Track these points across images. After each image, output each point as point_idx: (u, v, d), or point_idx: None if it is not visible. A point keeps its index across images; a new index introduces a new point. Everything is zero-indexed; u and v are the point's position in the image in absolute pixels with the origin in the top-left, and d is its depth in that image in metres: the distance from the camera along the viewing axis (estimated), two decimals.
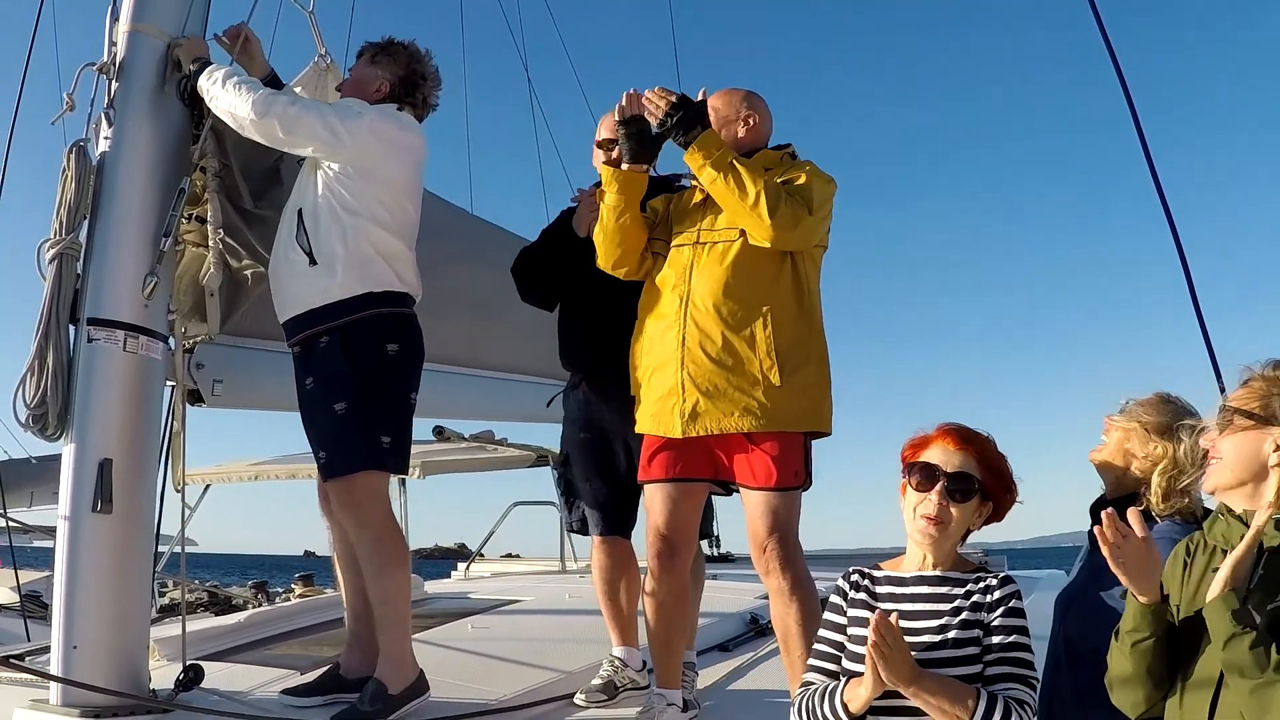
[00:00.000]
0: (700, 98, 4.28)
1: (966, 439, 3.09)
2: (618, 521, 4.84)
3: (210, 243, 4.55)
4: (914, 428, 3.20)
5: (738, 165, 4.10)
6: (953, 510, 3.01)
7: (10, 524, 6.19)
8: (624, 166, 4.33)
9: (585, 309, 4.91)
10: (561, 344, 5.02)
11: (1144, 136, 4.24)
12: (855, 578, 3.16)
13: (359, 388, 4.25)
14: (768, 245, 4.10)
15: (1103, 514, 2.66)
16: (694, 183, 4.40)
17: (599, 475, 4.84)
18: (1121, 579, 2.67)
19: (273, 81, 4.75)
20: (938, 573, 3.04)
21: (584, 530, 4.93)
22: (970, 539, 3.16)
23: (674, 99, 4.19)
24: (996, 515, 3.13)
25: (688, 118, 4.17)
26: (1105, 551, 2.65)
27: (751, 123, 4.46)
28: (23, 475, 13.16)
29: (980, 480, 3.03)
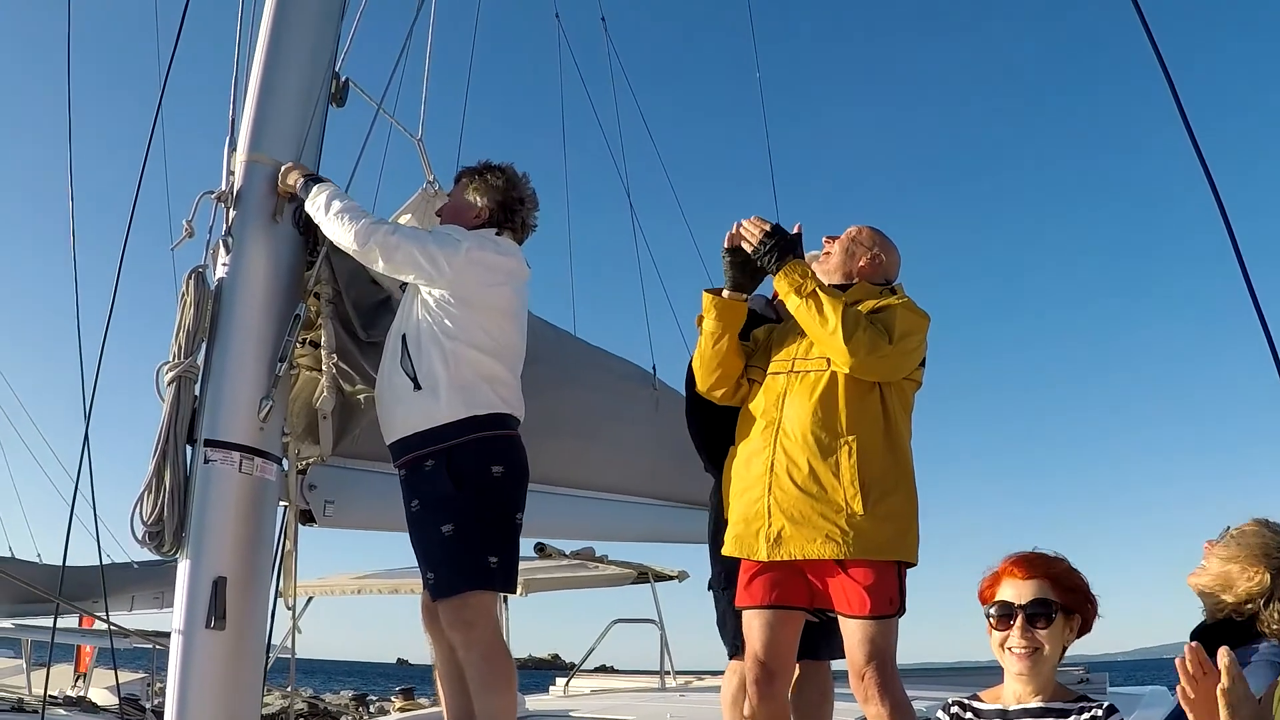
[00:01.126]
0: (796, 231, 4.36)
1: (1033, 566, 3.10)
2: None
3: (324, 367, 4.66)
4: (1001, 548, 3.24)
5: (820, 293, 4.15)
6: (1039, 637, 3.01)
7: (112, 629, 6.25)
8: (725, 294, 4.42)
9: None
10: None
11: None
12: (956, 710, 3.15)
13: (466, 510, 4.28)
14: (848, 371, 4.14)
15: (1186, 647, 2.65)
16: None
17: None
18: (1188, 713, 2.64)
19: None
20: (1040, 703, 3.03)
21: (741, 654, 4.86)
22: (1071, 651, 3.16)
23: (768, 228, 4.28)
24: (1085, 628, 3.14)
25: (781, 247, 4.25)
26: (1181, 682, 2.63)
27: (878, 261, 4.57)
28: (125, 579, 13.32)
29: (1057, 601, 3.04)
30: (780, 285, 4.25)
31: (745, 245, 4.32)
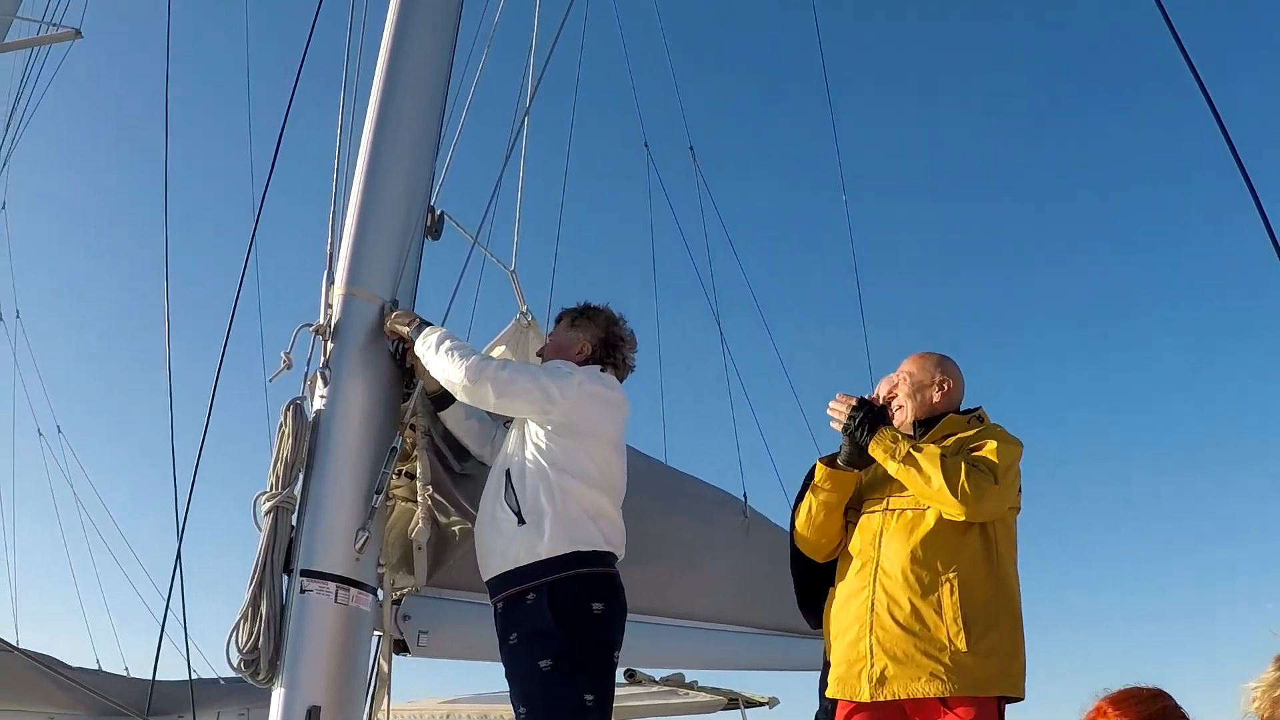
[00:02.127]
0: (878, 397, 4.52)
1: (1127, 708, 3.05)
2: None
3: (419, 498, 4.69)
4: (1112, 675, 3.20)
5: (915, 455, 4.17)
6: None
7: None
8: (840, 465, 4.46)
9: None
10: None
11: None
12: None
13: (565, 646, 4.24)
14: (961, 520, 4.14)
15: None
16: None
17: None
18: None
19: None
20: None
21: None
22: None
23: (854, 402, 4.39)
24: None
25: (870, 418, 4.33)
26: None
27: (946, 388, 4.58)
28: (211, 695, 13.36)
29: None
30: (876, 454, 4.29)
31: (835, 425, 4.41)
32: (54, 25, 10.99)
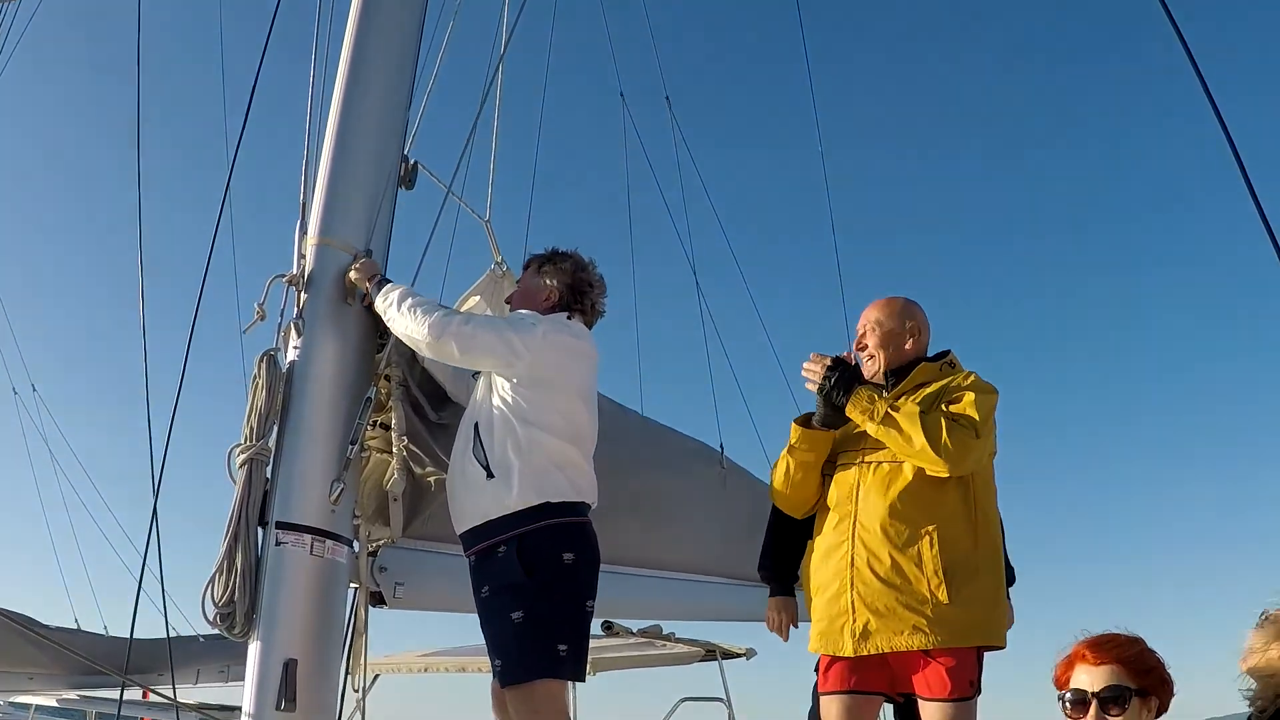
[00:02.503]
0: (849, 356, 4.45)
1: (1106, 651, 3.07)
2: None
3: (394, 449, 4.68)
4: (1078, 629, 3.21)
5: (893, 415, 4.16)
6: None
7: (178, 706, 6.27)
8: (815, 425, 4.45)
9: None
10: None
11: None
12: None
13: (536, 597, 4.24)
14: (944, 475, 4.14)
15: None
16: None
17: None
18: None
19: None
20: None
21: None
22: None
23: (829, 362, 4.35)
24: (1162, 709, 3.10)
25: (844, 378, 4.30)
26: None
27: (916, 335, 4.56)
28: (190, 653, 13.36)
29: (1132, 686, 3.01)
30: (854, 415, 4.28)
31: (810, 386, 4.38)
32: None
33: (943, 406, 4.24)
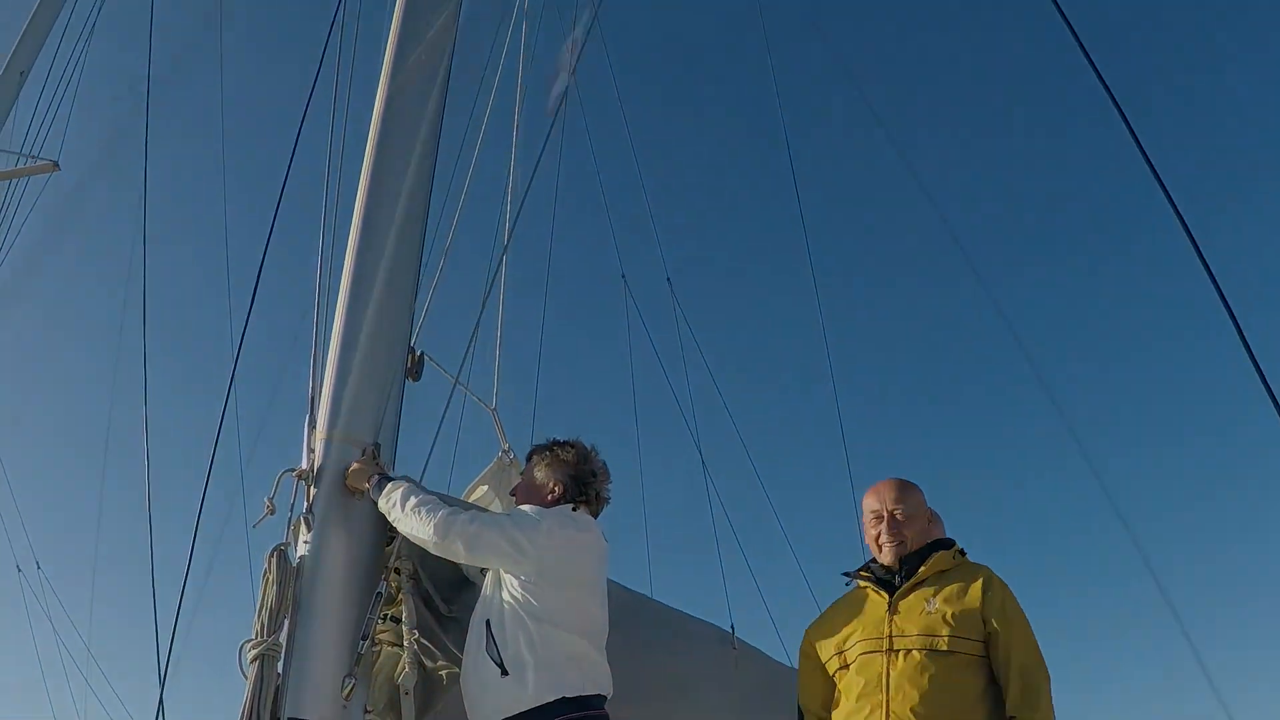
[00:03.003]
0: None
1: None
2: None
3: (405, 643, 4.65)
4: None
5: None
6: None
7: None
8: None
9: None
10: None
11: None
12: None
13: None
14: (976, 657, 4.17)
15: None
16: (862, 585, 4.53)
17: None
18: None
19: None
20: None
21: None
22: None
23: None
24: None
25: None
26: None
27: (932, 519, 4.59)
28: None
29: None
30: None
31: None
32: (31, 157, 11.10)
33: (999, 634, 4.19)
